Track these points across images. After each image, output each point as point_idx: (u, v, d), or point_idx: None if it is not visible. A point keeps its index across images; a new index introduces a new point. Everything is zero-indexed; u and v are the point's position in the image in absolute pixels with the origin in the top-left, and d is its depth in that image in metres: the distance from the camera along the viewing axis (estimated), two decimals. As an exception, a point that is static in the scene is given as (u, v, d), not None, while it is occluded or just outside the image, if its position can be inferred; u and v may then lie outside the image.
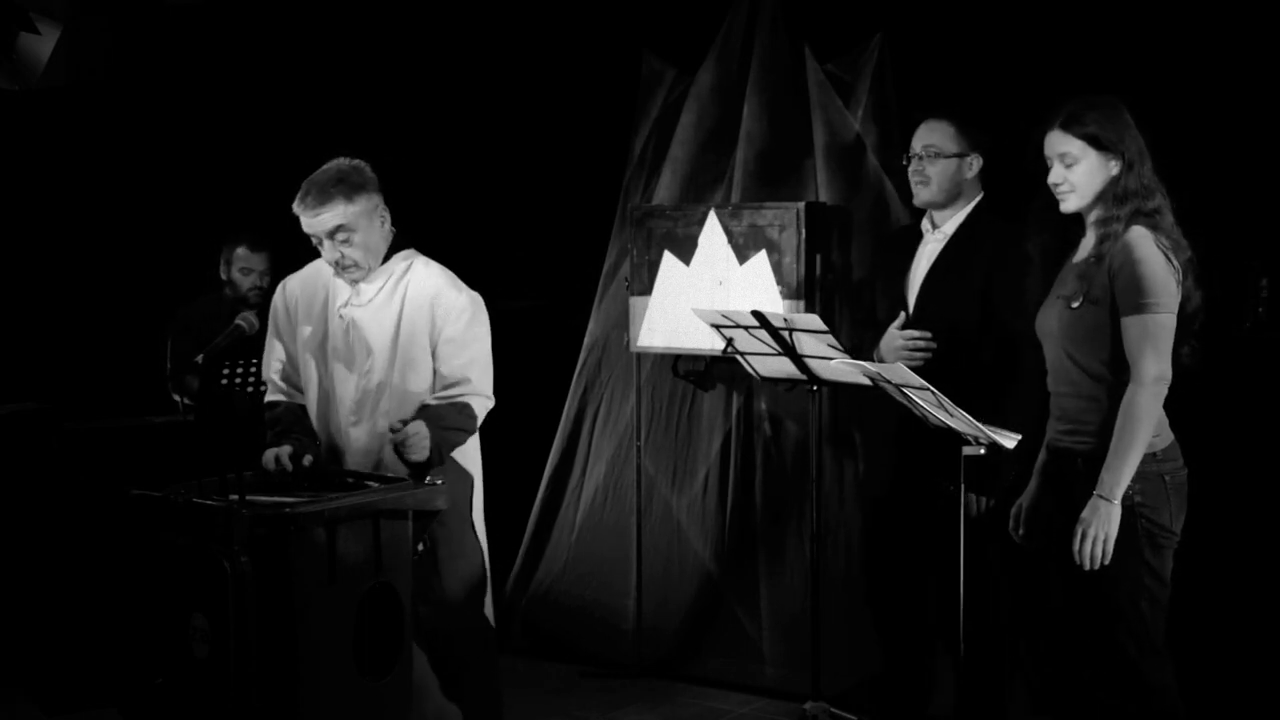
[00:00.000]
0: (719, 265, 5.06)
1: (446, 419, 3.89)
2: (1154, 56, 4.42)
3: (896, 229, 4.81)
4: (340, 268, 3.93)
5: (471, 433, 3.98)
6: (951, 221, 4.37)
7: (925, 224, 4.43)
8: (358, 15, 6.25)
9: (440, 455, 3.86)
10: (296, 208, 3.89)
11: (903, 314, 4.33)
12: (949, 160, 4.32)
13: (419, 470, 3.85)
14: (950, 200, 4.35)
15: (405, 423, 3.81)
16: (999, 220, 4.33)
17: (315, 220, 3.87)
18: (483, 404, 3.99)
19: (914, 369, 4.03)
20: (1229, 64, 4.39)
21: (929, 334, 4.25)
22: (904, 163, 4.43)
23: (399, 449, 3.79)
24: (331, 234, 3.87)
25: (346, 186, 3.87)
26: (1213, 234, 3.55)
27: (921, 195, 4.37)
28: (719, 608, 5.33)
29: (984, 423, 3.63)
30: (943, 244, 4.36)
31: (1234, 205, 4.34)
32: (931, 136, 4.35)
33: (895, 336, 4.30)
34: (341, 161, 3.95)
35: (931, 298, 4.32)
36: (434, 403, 3.94)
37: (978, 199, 4.38)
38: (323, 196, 3.85)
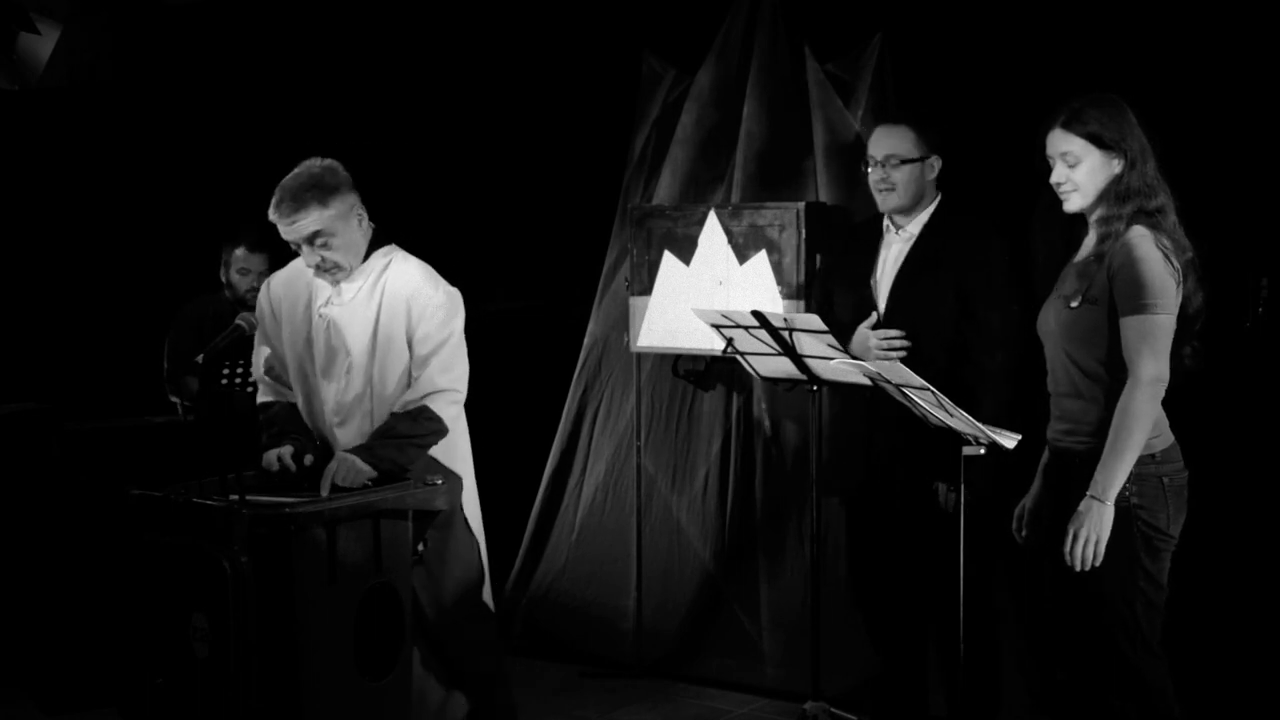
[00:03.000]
0: (719, 265, 5.06)
1: (398, 429, 3.88)
2: (1154, 56, 4.42)
3: (851, 228, 4.80)
4: (322, 270, 3.92)
5: (439, 435, 3.94)
6: (915, 222, 4.39)
7: (887, 224, 4.44)
8: (359, 15, 6.25)
9: (397, 466, 3.86)
10: (272, 215, 3.87)
11: (875, 314, 4.35)
12: (913, 165, 4.34)
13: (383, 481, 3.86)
14: (914, 203, 4.37)
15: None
16: (967, 218, 4.35)
17: (292, 227, 3.85)
18: (448, 399, 3.95)
19: None
20: (1229, 64, 4.39)
21: (902, 332, 4.27)
22: (863, 169, 4.43)
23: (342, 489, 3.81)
24: (310, 240, 3.86)
25: (320, 191, 3.84)
26: (1213, 234, 3.55)
27: (889, 202, 4.37)
28: (719, 608, 5.32)
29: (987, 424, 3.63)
30: (909, 244, 4.38)
31: (1234, 205, 4.34)
32: (892, 144, 4.35)
33: (868, 336, 4.31)
34: (313, 164, 3.92)
35: (903, 297, 4.33)
36: (395, 411, 3.92)
37: (937, 200, 4.41)
38: (296, 204, 3.83)
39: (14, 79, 6.26)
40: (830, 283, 4.66)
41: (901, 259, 4.37)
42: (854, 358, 4.23)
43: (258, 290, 5.48)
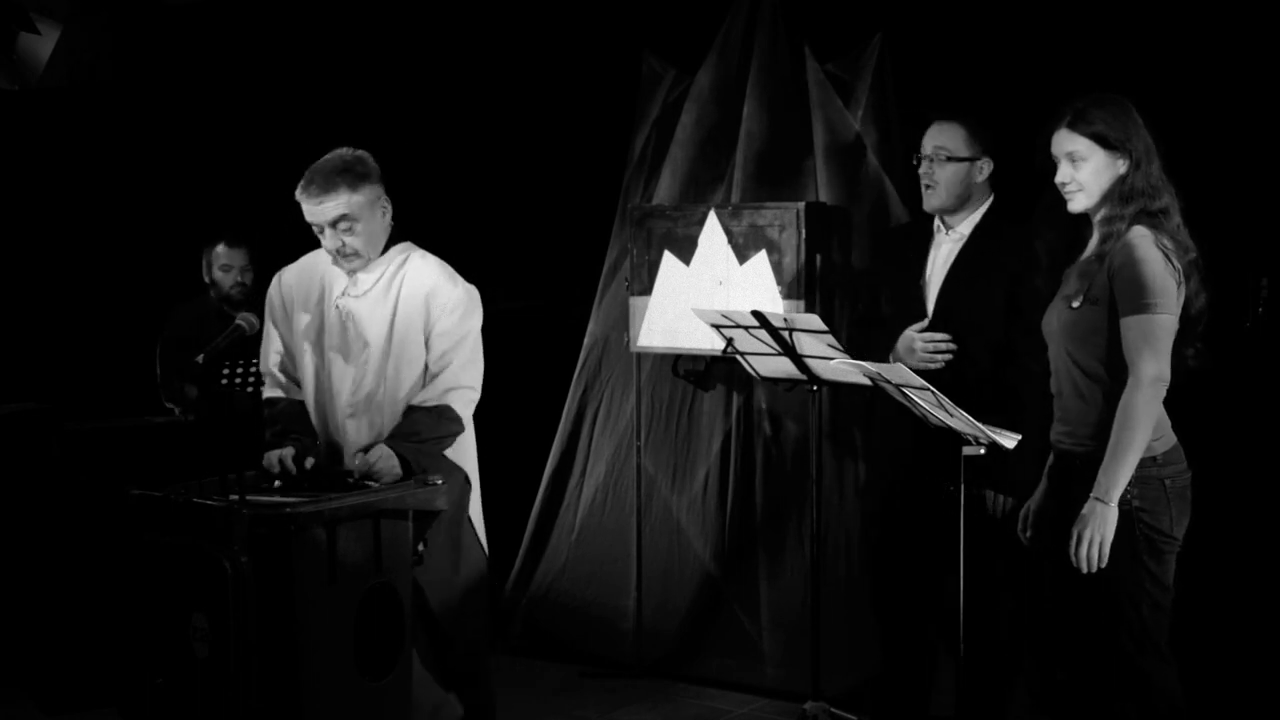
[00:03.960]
0: (719, 265, 5.06)
1: (423, 430, 3.90)
2: (1155, 56, 4.42)
3: (901, 226, 4.79)
4: (341, 256, 3.93)
5: (456, 435, 3.97)
6: (966, 223, 4.32)
7: (937, 224, 4.38)
8: (358, 15, 6.25)
9: (420, 466, 3.87)
10: (299, 195, 3.90)
11: (926, 318, 4.29)
12: (959, 164, 4.27)
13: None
14: (960, 205, 4.31)
15: (368, 448, 3.84)
16: (1018, 221, 4.30)
17: (319, 209, 3.88)
18: (466, 399, 3.98)
19: (934, 371, 4.03)
20: (1229, 64, 4.39)
21: (949, 336, 4.23)
22: (914, 163, 4.37)
23: (368, 479, 3.81)
24: (334, 223, 3.88)
25: (351, 176, 3.88)
26: (1213, 234, 3.55)
27: (930, 201, 4.31)
28: (719, 608, 5.32)
29: (987, 424, 3.62)
30: (959, 245, 4.31)
31: (1234, 205, 4.33)
32: (941, 138, 4.28)
33: (914, 339, 4.25)
34: (345, 151, 3.96)
35: (952, 300, 4.27)
36: (415, 404, 3.94)
37: (989, 201, 4.34)
38: (327, 185, 3.86)
39: (14, 79, 6.26)
40: (878, 281, 4.62)
41: (951, 260, 4.31)
42: (854, 357, 4.22)
43: (242, 284, 5.53)
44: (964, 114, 4.36)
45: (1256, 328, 4.38)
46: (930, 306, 4.31)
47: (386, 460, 3.82)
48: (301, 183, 3.90)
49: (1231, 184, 4.34)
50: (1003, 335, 4.20)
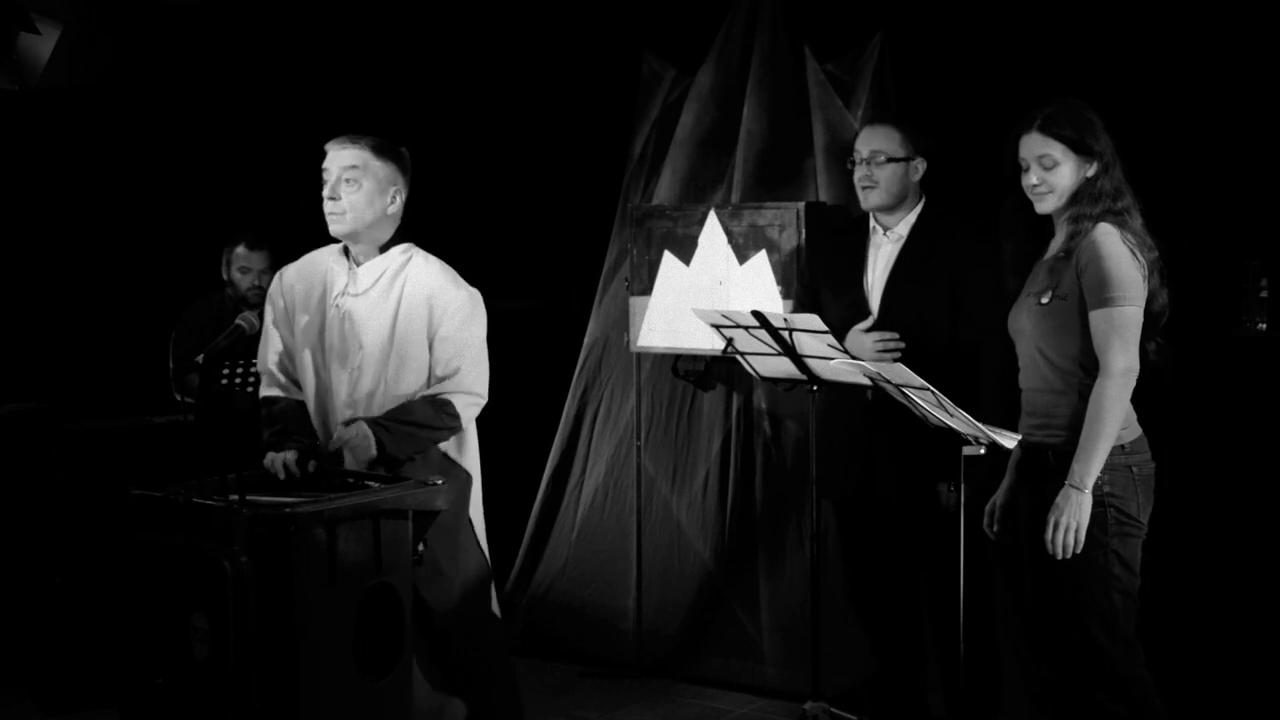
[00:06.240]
0: (719, 265, 5.07)
1: (417, 415, 3.89)
2: (1156, 56, 4.42)
3: (835, 227, 4.81)
4: (332, 209, 3.93)
5: (453, 431, 3.96)
6: (904, 223, 4.41)
7: (873, 225, 4.45)
8: (358, 15, 6.25)
9: (404, 452, 3.86)
10: (329, 144, 3.96)
11: (871, 317, 4.35)
12: (897, 165, 4.35)
13: (386, 466, 3.86)
14: (897, 204, 4.39)
15: (349, 422, 3.84)
16: (955, 220, 4.36)
17: (339, 153, 3.93)
18: (470, 402, 3.97)
19: None
20: (1230, 64, 4.39)
21: (897, 334, 4.28)
22: (848, 166, 4.45)
23: (344, 451, 3.81)
24: (344, 170, 3.91)
25: (382, 147, 3.97)
26: (1212, 234, 3.56)
27: (870, 200, 4.39)
28: (719, 608, 5.33)
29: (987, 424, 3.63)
30: (899, 245, 4.39)
31: (1233, 205, 4.34)
32: (877, 141, 4.37)
33: (864, 338, 4.32)
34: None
35: (897, 299, 4.35)
36: (419, 397, 3.94)
37: (922, 203, 4.43)
38: (357, 137, 3.96)
39: (14, 79, 6.25)
40: (818, 285, 4.65)
41: (893, 261, 4.38)
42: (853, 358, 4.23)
43: (259, 288, 5.53)
44: (897, 117, 4.48)
45: (1255, 328, 4.38)
46: (875, 306, 4.38)
47: (361, 441, 3.82)
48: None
49: (1230, 183, 4.34)
50: (948, 332, 4.27)
